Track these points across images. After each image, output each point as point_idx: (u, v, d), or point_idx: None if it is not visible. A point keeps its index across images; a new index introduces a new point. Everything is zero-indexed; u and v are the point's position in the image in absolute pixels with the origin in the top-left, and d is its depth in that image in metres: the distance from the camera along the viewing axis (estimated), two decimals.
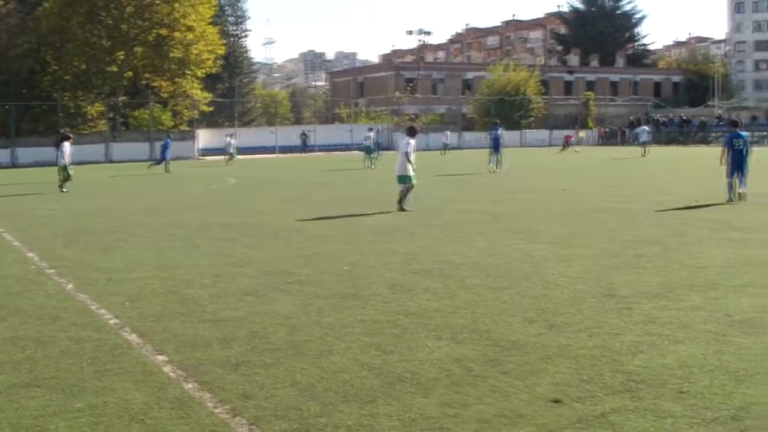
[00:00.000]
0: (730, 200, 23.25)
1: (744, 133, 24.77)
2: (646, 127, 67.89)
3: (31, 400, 7.12)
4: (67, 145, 34.72)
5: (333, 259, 14.36)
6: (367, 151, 50.40)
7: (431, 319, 9.58)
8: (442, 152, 67.93)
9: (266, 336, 9.02)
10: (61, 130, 48.74)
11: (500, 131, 43.67)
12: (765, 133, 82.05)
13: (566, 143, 77.13)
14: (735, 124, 25.54)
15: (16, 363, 8.24)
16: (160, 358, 8.27)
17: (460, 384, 7.26)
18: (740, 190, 23.47)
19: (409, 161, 22.22)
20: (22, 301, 11.28)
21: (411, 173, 22.05)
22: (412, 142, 22.57)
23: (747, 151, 23.88)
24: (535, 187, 30.26)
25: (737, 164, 23.54)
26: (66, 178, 34.25)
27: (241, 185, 36.75)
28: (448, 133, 74.21)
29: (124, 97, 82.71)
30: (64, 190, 33.96)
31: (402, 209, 22.05)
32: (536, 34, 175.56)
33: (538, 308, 10.05)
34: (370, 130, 55.12)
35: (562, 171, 42.12)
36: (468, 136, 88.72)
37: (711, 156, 27.38)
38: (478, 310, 9.99)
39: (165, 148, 51.18)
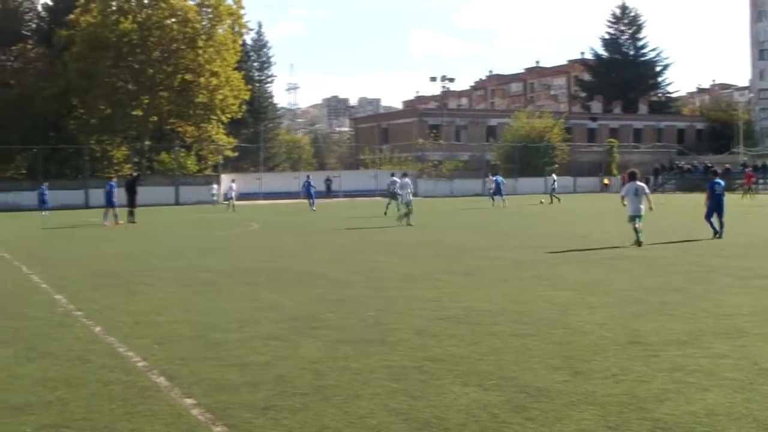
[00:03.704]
0: (715, 235, 26.54)
1: (721, 181, 28.20)
2: None
3: None
4: (408, 181, 38.85)
5: (358, 304, 14.39)
6: (393, 197, 48.02)
7: (458, 365, 9.60)
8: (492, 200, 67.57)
9: (293, 380, 9.05)
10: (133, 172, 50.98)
11: (500, 178, 56.86)
12: None
13: (748, 187, 68.18)
14: (715, 173, 30.01)
15: (47, 404, 8.31)
16: (189, 401, 8.32)
17: (486, 430, 7.27)
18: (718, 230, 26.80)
19: (649, 200, 25.62)
20: (51, 342, 11.38)
21: (643, 212, 25.09)
22: (643, 184, 26.13)
23: (723, 195, 27.46)
24: (556, 234, 30.26)
25: (718, 206, 27.10)
26: (408, 212, 36.84)
27: (265, 230, 36.88)
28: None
29: (150, 142, 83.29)
30: (411, 224, 35.98)
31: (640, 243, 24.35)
32: (559, 81, 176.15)
33: (563, 355, 10.05)
34: (393, 175, 54.36)
35: (582, 218, 42.07)
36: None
37: (734, 203, 27.50)
38: (504, 357, 10.00)
39: (308, 186, 57.79)
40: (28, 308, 14.66)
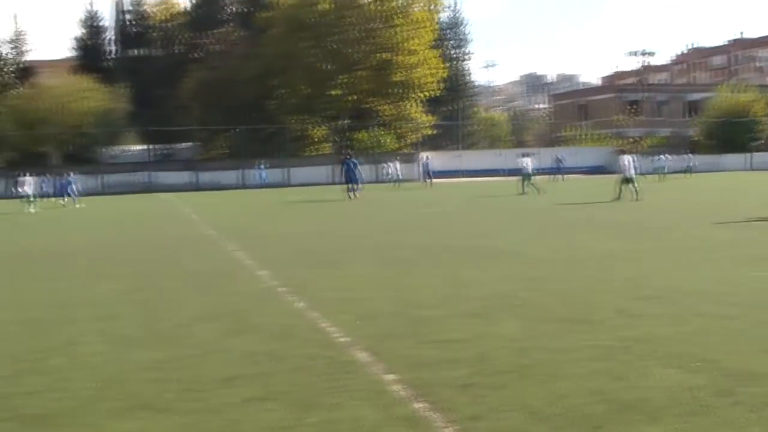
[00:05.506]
0: None
1: None
2: None
3: (266, 413, 7.35)
4: (629, 157, 39.53)
5: (557, 282, 14.26)
6: (527, 176, 48.03)
7: (660, 346, 9.37)
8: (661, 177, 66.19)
9: (493, 358, 9.02)
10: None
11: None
12: None
13: None
14: None
15: (251, 377, 8.54)
16: (390, 377, 8.39)
17: (690, 414, 7.06)
18: None
19: None
20: (256, 317, 11.69)
21: None
22: None
23: None
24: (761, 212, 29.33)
25: None
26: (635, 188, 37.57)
27: (463, 208, 36.94)
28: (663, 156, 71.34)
29: (348, 120, 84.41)
30: (640, 198, 36.63)
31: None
32: (765, 53, 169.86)
33: None
34: (525, 155, 55.52)
35: None
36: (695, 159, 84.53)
37: None
38: (710, 339, 9.70)
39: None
40: (234, 284, 15.10)
